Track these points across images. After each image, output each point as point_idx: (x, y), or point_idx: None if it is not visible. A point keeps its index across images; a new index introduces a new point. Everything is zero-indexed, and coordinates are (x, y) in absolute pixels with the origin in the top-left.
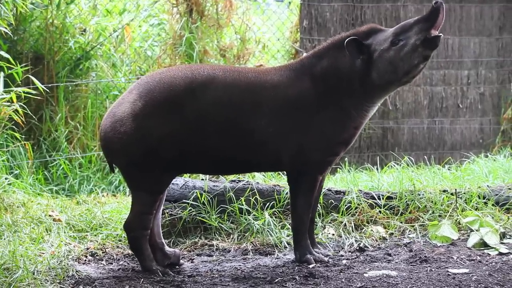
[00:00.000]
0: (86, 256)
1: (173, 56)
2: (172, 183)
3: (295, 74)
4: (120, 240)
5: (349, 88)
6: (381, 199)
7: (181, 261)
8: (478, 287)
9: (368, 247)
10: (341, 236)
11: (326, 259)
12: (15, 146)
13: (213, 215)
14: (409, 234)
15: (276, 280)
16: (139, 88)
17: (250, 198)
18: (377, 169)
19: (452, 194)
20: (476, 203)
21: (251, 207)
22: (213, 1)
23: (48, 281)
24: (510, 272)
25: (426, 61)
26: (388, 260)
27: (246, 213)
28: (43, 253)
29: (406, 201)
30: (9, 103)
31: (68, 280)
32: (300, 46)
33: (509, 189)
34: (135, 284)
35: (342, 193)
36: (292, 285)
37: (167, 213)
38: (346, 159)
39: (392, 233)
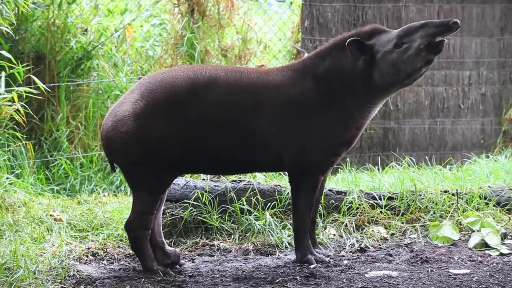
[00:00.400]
0: (87, 256)
1: (175, 56)
2: (173, 183)
3: (297, 75)
4: (121, 240)
5: (351, 88)
6: (382, 199)
7: (182, 261)
8: None
9: (369, 248)
10: (342, 237)
11: (327, 259)
12: (16, 146)
13: (214, 215)
14: (410, 235)
15: (277, 280)
16: (141, 88)
17: (251, 198)
18: (378, 169)
19: (453, 194)
20: (477, 204)
21: (252, 207)
22: (215, 1)
23: (49, 280)
24: (511, 272)
25: (429, 65)
26: (389, 261)
27: (247, 213)
28: (44, 253)
29: (407, 202)
30: (11, 103)
31: (69, 280)
32: (302, 46)
33: (510, 189)
34: (136, 284)
35: (343, 194)
36: (293, 285)
37: (168, 213)
38: (347, 159)
39: (393, 234)
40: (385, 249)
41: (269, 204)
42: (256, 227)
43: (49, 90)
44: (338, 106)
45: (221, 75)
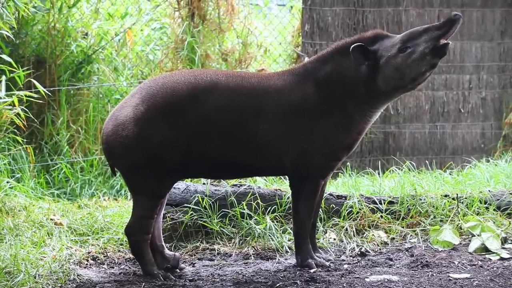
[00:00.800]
0: (87, 260)
1: (175, 60)
2: (174, 187)
3: (299, 79)
4: (121, 244)
5: (353, 93)
6: (383, 203)
7: (183, 265)
8: None
9: (369, 252)
10: (342, 241)
11: (327, 263)
12: (16, 150)
13: (214, 219)
14: (411, 239)
15: (278, 284)
16: (141, 92)
17: (252, 202)
18: (378, 173)
19: (453, 199)
20: (477, 208)
21: (253, 211)
22: (215, 5)
23: (49, 285)
24: (511, 277)
25: (433, 69)
26: (389, 265)
27: (247, 217)
28: (45, 257)
29: (408, 206)
30: (11, 107)
31: (69, 284)
32: (302, 51)
33: (511, 194)
34: None
35: (344, 198)
36: None
37: (168, 217)
38: (347, 163)
39: (394, 238)
40: (385, 254)
41: (269, 208)
42: (257, 231)
43: (50, 94)
44: (340, 110)
45: (222, 79)
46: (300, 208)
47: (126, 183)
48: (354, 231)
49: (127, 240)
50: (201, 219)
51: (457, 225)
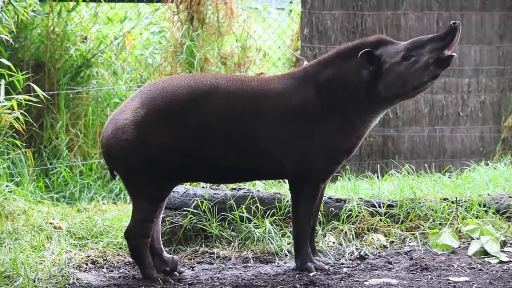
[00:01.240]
0: (87, 264)
1: (174, 64)
2: (173, 191)
3: (299, 83)
4: (120, 248)
5: (354, 97)
6: (382, 207)
7: (182, 268)
8: None
9: (368, 255)
10: (341, 244)
11: (326, 267)
12: (16, 154)
13: (213, 223)
14: (410, 242)
15: None
16: (141, 96)
17: (251, 206)
18: (377, 177)
19: (452, 202)
20: (476, 211)
21: (252, 215)
22: (214, 9)
23: None
24: (510, 280)
25: (435, 79)
26: (388, 268)
27: (246, 221)
28: (44, 261)
29: (407, 209)
30: (10, 111)
31: None
32: (301, 54)
33: (510, 197)
34: None
35: (343, 201)
36: None
37: (167, 220)
38: (346, 167)
39: (393, 241)
40: (384, 257)
41: (268, 212)
42: (256, 235)
43: (49, 98)
44: (340, 114)
45: (222, 83)
46: (300, 212)
47: (126, 186)
48: (353, 234)
49: (126, 243)
50: (200, 222)
51: (456, 229)
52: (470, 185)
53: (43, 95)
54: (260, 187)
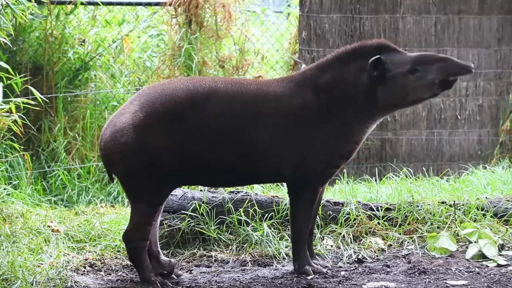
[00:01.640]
0: (84, 267)
1: (172, 67)
2: (171, 194)
3: (298, 86)
4: (118, 251)
5: (352, 101)
6: (380, 210)
7: (180, 272)
8: None
9: (366, 259)
10: (339, 248)
11: (324, 270)
12: (14, 157)
13: (211, 226)
14: (408, 246)
15: None
16: (140, 99)
17: (249, 209)
18: (375, 180)
19: (450, 205)
20: (474, 215)
21: (250, 218)
22: (212, 12)
23: None
24: (508, 284)
25: (434, 97)
26: (386, 272)
27: (244, 224)
28: (42, 264)
29: (405, 213)
30: (8, 114)
31: None
32: (299, 58)
33: (508, 200)
34: None
35: (341, 205)
36: None
37: (165, 224)
38: (344, 170)
39: (391, 245)
40: (382, 260)
41: (266, 215)
42: (254, 238)
43: (47, 101)
44: (339, 118)
45: (220, 86)
46: (298, 215)
47: (124, 189)
48: (351, 237)
49: (124, 246)
50: (198, 226)
51: (454, 232)
52: (468, 189)
53: (41, 98)
54: (258, 190)
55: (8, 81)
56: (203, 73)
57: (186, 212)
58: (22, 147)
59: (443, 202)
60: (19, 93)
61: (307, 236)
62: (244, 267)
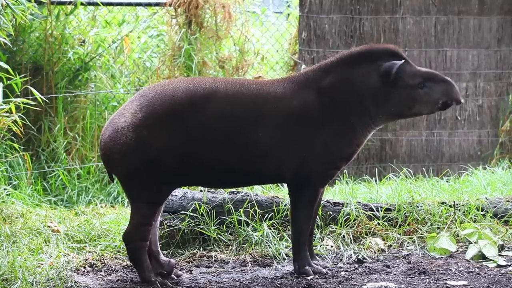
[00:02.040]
0: (84, 267)
1: (172, 67)
2: (171, 194)
3: (299, 87)
4: (118, 251)
5: (359, 105)
6: (380, 211)
7: (180, 272)
8: None
9: (366, 259)
10: (339, 248)
11: (324, 270)
12: (14, 157)
13: (211, 226)
14: (408, 246)
15: None
16: (140, 99)
17: (249, 209)
18: (375, 181)
19: (450, 206)
20: (474, 215)
21: (250, 218)
22: (212, 13)
23: None
24: (508, 284)
25: (430, 114)
26: (386, 272)
27: (244, 224)
28: (42, 264)
29: (405, 213)
30: (8, 114)
31: None
32: (299, 58)
33: (508, 201)
34: None
35: (341, 205)
36: None
37: (165, 224)
38: (344, 171)
39: (391, 245)
40: (382, 261)
41: (266, 215)
42: (254, 238)
43: (47, 101)
44: (342, 120)
45: (220, 87)
46: (299, 215)
47: (124, 189)
48: (351, 238)
49: (124, 247)
50: (198, 226)
51: (454, 232)
52: (468, 189)
53: (41, 98)
54: (258, 191)
55: (8, 82)
56: (203, 73)
57: (186, 212)
58: (22, 147)
59: (443, 203)
60: (19, 93)
61: (308, 237)
62: (244, 267)
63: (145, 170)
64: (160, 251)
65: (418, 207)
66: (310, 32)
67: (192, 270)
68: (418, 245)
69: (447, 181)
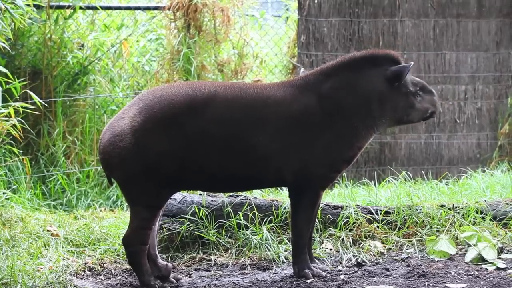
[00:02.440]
0: (84, 271)
1: (171, 71)
2: (170, 198)
3: (299, 91)
4: (118, 255)
5: (363, 108)
6: (379, 214)
7: (179, 275)
8: None
9: (366, 262)
10: (339, 251)
11: (324, 274)
12: (13, 161)
13: (211, 230)
14: (407, 249)
15: None
16: (139, 104)
17: (248, 213)
18: (374, 184)
19: (449, 209)
20: (473, 218)
21: (249, 222)
22: (211, 16)
23: None
24: (507, 287)
25: (414, 123)
26: (386, 275)
27: (244, 228)
28: (41, 268)
29: (404, 216)
30: (7, 118)
31: None
32: (298, 61)
33: (507, 204)
34: None
35: (340, 208)
36: None
37: (165, 228)
38: (344, 174)
39: (390, 248)
40: (382, 264)
41: (266, 218)
42: (253, 241)
43: (46, 105)
44: (344, 123)
45: (220, 91)
46: (299, 219)
47: (123, 193)
48: (351, 241)
49: (124, 250)
50: (198, 229)
51: (453, 235)
52: (467, 192)
53: (40, 103)
54: (258, 194)
55: (7, 86)
56: (202, 77)
57: (185, 216)
58: (21, 151)
59: (442, 206)
60: (18, 97)
61: (307, 240)
62: (243, 270)
63: (144, 174)
64: (158, 254)
65: (417, 210)
66: (309, 35)
67: (191, 274)
68: (418, 248)
69: (446, 184)
